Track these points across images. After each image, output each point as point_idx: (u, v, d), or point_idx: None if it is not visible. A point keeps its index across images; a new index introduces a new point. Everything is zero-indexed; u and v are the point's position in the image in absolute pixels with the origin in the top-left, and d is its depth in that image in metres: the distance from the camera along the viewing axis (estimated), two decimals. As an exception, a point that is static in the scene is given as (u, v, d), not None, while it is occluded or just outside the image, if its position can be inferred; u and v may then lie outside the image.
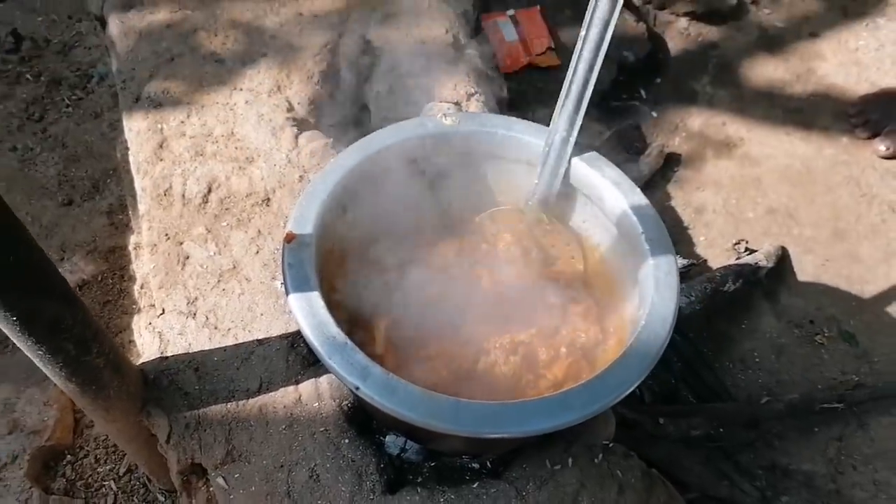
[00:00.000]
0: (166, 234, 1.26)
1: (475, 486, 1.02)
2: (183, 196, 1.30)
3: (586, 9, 0.96)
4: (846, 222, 1.84)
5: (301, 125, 1.41)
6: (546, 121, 1.11)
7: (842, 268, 1.77)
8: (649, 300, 0.95)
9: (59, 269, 0.87)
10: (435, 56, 1.53)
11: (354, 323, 1.04)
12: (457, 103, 1.45)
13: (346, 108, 1.46)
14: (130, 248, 1.43)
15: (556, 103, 1.06)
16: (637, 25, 2.12)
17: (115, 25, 1.58)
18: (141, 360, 1.15)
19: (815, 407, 1.53)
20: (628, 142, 1.99)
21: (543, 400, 0.88)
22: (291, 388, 1.10)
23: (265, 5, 1.61)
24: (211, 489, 1.08)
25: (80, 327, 0.90)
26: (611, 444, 1.10)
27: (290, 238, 0.97)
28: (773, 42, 2.22)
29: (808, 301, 1.73)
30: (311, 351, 1.11)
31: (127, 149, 1.41)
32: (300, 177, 1.32)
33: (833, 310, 1.71)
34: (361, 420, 1.10)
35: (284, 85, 1.47)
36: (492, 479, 1.04)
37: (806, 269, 1.78)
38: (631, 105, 2.12)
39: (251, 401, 1.09)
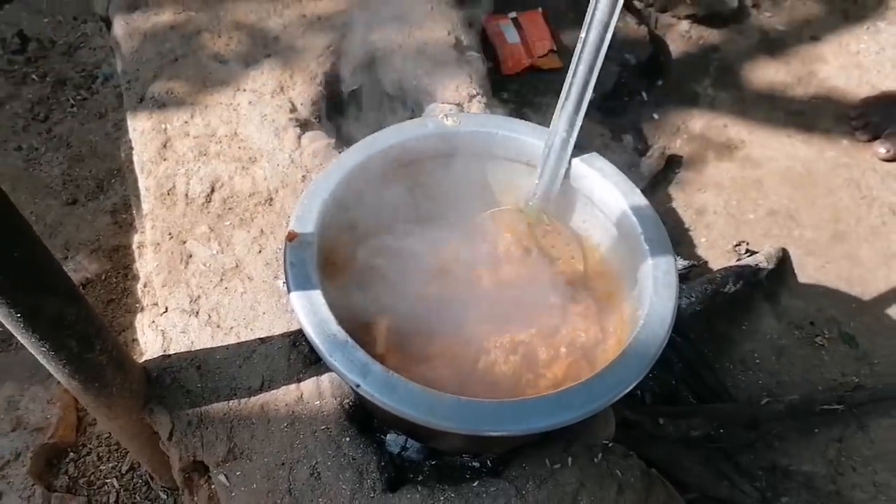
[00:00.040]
0: (169, 233, 1.27)
1: (475, 484, 1.03)
2: (186, 195, 1.31)
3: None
4: (847, 224, 1.85)
5: (304, 126, 1.42)
6: (547, 122, 1.12)
7: (842, 270, 1.78)
8: (648, 300, 0.96)
9: (64, 268, 0.88)
10: (437, 58, 1.54)
11: (355, 322, 1.05)
12: (458, 105, 1.46)
13: (348, 108, 1.47)
14: (134, 247, 1.44)
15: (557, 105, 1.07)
16: (638, 28, 2.13)
17: (119, 26, 1.59)
18: (144, 358, 1.16)
19: (816, 408, 1.53)
20: (630, 143, 2.00)
21: (543, 398, 0.88)
22: (293, 386, 1.10)
23: (269, 7, 1.62)
24: (213, 487, 1.09)
25: (84, 324, 0.91)
26: (610, 444, 1.10)
27: (291, 237, 0.98)
28: (775, 45, 2.22)
29: (809, 303, 1.74)
30: (312, 349, 1.12)
31: (131, 149, 1.42)
32: (303, 177, 1.33)
33: (833, 311, 1.72)
34: (362, 418, 1.10)
35: (287, 86, 1.48)
36: (492, 478, 1.04)
37: (806, 271, 1.79)
38: (632, 107, 2.12)
39: (253, 399, 1.09)
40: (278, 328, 1.16)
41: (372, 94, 1.50)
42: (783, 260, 1.77)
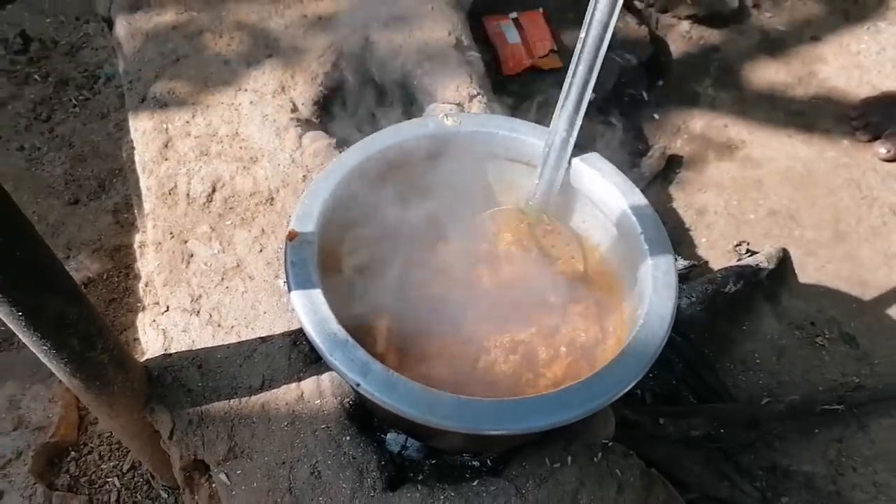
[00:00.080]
0: (171, 233, 1.27)
1: (475, 483, 1.03)
2: (188, 195, 1.32)
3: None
4: (847, 224, 1.85)
5: (305, 125, 1.42)
6: (547, 122, 1.12)
7: (843, 270, 1.78)
8: (648, 299, 0.96)
9: (66, 268, 0.88)
10: (437, 58, 1.54)
11: (356, 321, 1.05)
12: (459, 104, 1.46)
13: (349, 108, 1.47)
14: (135, 246, 1.44)
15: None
16: (639, 28, 2.13)
17: (122, 27, 1.60)
18: (145, 357, 1.16)
19: (816, 408, 1.53)
20: (630, 143, 2.00)
21: (542, 397, 0.89)
22: (293, 385, 1.11)
23: (270, 7, 1.63)
24: (213, 485, 1.09)
25: (85, 323, 0.91)
26: (610, 444, 1.11)
27: (292, 236, 0.98)
28: (775, 45, 2.22)
29: (809, 303, 1.74)
30: (313, 349, 1.12)
31: (133, 148, 1.42)
32: (304, 176, 1.33)
33: (834, 312, 1.72)
34: (363, 417, 1.11)
35: (289, 86, 1.48)
36: (492, 477, 1.05)
37: (807, 271, 1.79)
38: (633, 107, 2.12)
39: (254, 398, 1.10)
40: (279, 327, 1.16)
41: (372, 93, 1.50)
42: (784, 260, 1.77)
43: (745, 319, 1.71)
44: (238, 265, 1.23)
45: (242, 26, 1.59)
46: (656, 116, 2.11)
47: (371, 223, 1.12)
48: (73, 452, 1.47)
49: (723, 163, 2.00)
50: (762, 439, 1.53)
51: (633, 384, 0.89)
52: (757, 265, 1.71)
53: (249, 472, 1.04)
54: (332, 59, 1.53)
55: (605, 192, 1.10)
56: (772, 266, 1.72)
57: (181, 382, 1.12)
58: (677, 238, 1.87)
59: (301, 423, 1.07)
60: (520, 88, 1.97)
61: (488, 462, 1.11)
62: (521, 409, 0.87)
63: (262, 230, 1.27)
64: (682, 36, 2.24)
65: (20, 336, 0.87)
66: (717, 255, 1.84)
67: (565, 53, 2.01)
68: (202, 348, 1.15)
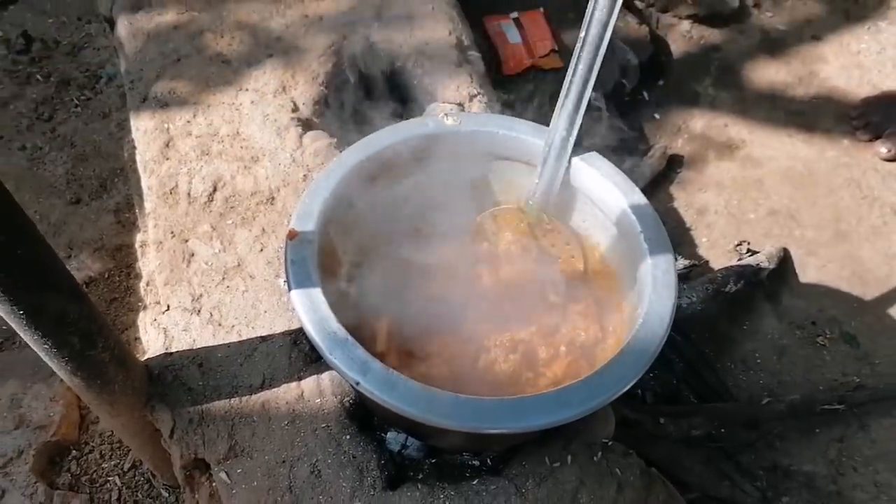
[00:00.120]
0: (172, 232, 1.28)
1: (475, 482, 1.03)
2: (189, 194, 1.32)
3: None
4: (848, 224, 1.85)
5: (306, 125, 1.42)
6: (547, 122, 1.12)
7: (843, 269, 1.78)
8: (647, 299, 0.96)
9: (67, 267, 0.88)
10: (438, 57, 1.54)
11: (356, 320, 1.05)
12: (459, 104, 1.46)
13: (350, 108, 1.47)
14: (137, 245, 1.44)
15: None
16: (640, 28, 2.13)
17: (123, 27, 1.60)
18: (146, 356, 1.17)
19: (817, 408, 1.53)
20: (631, 143, 2.00)
21: (542, 396, 0.89)
22: (294, 384, 1.11)
23: (271, 7, 1.63)
24: (214, 484, 1.09)
25: (86, 322, 0.92)
26: (610, 443, 1.11)
27: (292, 235, 0.99)
28: (775, 45, 2.22)
29: (810, 302, 1.74)
30: (313, 348, 1.12)
31: (134, 148, 1.43)
32: (304, 176, 1.34)
33: (834, 311, 1.72)
34: (363, 416, 1.11)
35: (290, 85, 1.49)
36: (492, 476, 1.05)
37: (807, 271, 1.79)
38: (634, 107, 2.12)
39: (254, 397, 1.10)
40: (279, 326, 1.17)
41: (373, 93, 1.51)
42: (784, 260, 1.77)
43: (745, 319, 1.71)
44: (239, 264, 1.24)
45: (243, 26, 1.59)
46: (657, 116, 2.11)
47: (371, 222, 1.12)
48: (74, 451, 1.47)
49: (723, 162, 2.00)
50: (763, 439, 1.53)
51: (632, 383, 0.89)
52: (757, 265, 1.71)
53: (250, 470, 1.04)
54: (333, 59, 1.54)
55: (604, 192, 1.10)
56: (772, 266, 1.72)
57: (182, 381, 1.12)
58: (678, 238, 1.87)
59: (301, 422, 1.07)
60: (520, 88, 1.97)
61: (488, 461, 1.11)
62: (521, 407, 0.87)
63: (263, 229, 1.28)
64: (682, 35, 2.24)
65: (21, 334, 0.87)
66: (718, 254, 1.84)
67: (566, 53, 2.01)
68: (203, 347, 1.15)
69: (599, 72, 1.02)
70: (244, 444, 1.06)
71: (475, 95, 1.49)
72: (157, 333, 1.18)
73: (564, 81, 1.04)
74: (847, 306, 1.73)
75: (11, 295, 0.79)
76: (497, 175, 1.22)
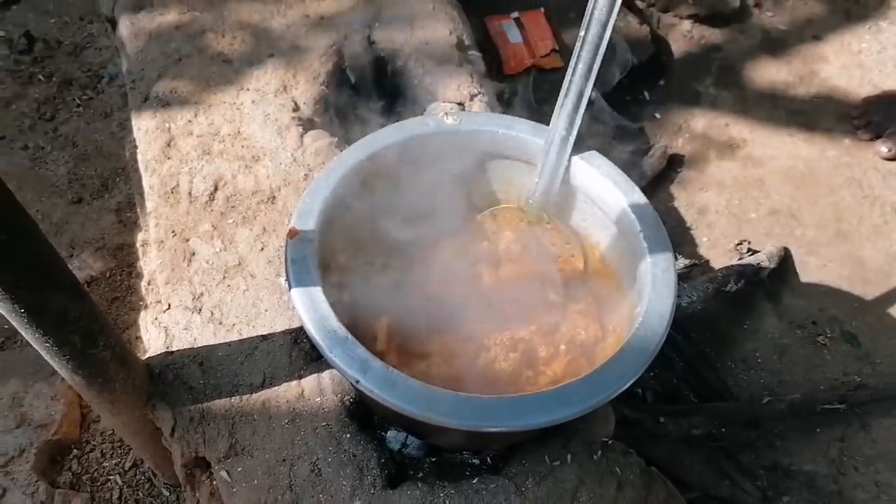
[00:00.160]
0: (173, 231, 1.28)
1: (475, 481, 1.03)
2: (190, 194, 1.32)
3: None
4: (848, 223, 1.85)
5: (306, 125, 1.43)
6: (547, 121, 1.12)
7: (844, 269, 1.78)
8: (647, 297, 0.97)
9: (69, 266, 0.89)
10: (438, 57, 1.54)
11: (356, 319, 1.06)
12: (460, 103, 1.47)
13: (351, 107, 1.48)
14: (138, 245, 1.44)
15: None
16: (641, 28, 2.13)
17: (125, 27, 1.61)
18: (147, 355, 1.17)
19: (817, 407, 1.53)
20: (631, 143, 2.00)
21: (541, 395, 0.89)
22: (294, 383, 1.11)
23: (272, 7, 1.63)
24: (214, 483, 1.09)
25: (87, 320, 0.92)
26: (610, 442, 1.11)
27: (292, 234, 0.99)
28: (776, 44, 2.22)
29: (811, 302, 1.74)
30: (313, 347, 1.13)
31: (135, 147, 1.43)
32: (305, 175, 1.34)
33: (835, 311, 1.72)
34: (363, 415, 1.11)
35: (290, 85, 1.49)
36: (491, 475, 1.05)
37: (808, 270, 1.79)
38: (634, 106, 2.13)
39: (254, 395, 1.10)
40: (280, 325, 1.17)
41: (373, 92, 1.51)
42: (785, 259, 1.77)
43: (746, 318, 1.71)
44: (239, 263, 1.24)
45: (244, 26, 1.59)
46: (657, 116, 2.11)
47: (372, 220, 1.13)
48: (75, 450, 1.47)
49: (724, 162, 2.00)
50: (763, 438, 1.53)
51: (631, 381, 0.89)
52: (758, 264, 1.71)
53: (250, 469, 1.04)
54: (334, 59, 1.54)
55: (604, 191, 1.10)
56: (773, 265, 1.72)
57: (183, 380, 1.12)
58: (678, 237, 1.87)
59: (302, 421, 1.07)
60: (521, 88, 1.97)
61: (488, 460, 1.11)
62: (520, 406, 0.87)
63: (264, 229, 1.28)
64: (683, 35, 2.24)
65: (22, 333, 0.88)
66: (719, 254, 1.84)
67: (567, 53, 2.02)
68: (204, 346, 1.15)
69: (599, 71, 1.02)
70: (245, 442, 1.07)
71: (476, 95, 1.49)
72: (157, 332, 1.18)
73: (564, 80, 1.04)
74: (848, 306, 1.73)
75: (13, 293, 0.80)
76: (497, 174, 1.22)
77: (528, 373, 1.05)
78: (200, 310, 1.19)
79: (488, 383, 1.03)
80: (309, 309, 0.92)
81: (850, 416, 1.55)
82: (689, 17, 2.23)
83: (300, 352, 1.14)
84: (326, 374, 1.11)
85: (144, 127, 1.43)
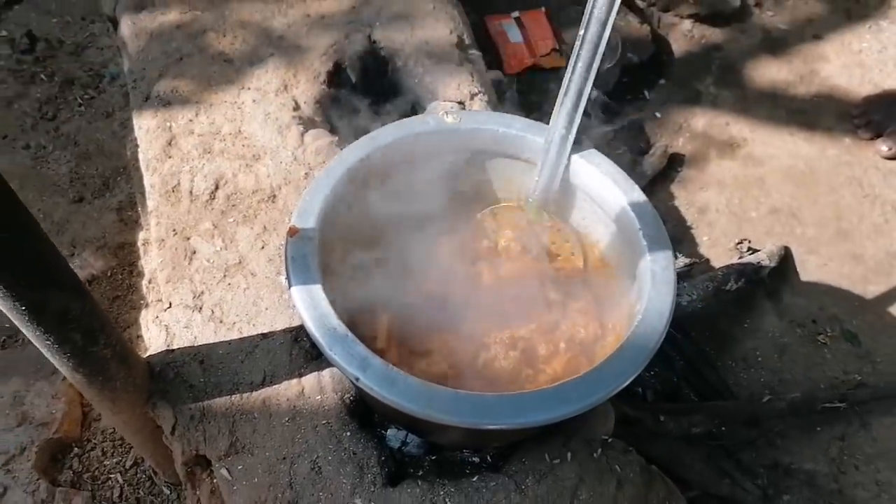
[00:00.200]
0: (174, 230, 1.28)
1: (475, 479, 1.03)
2: (191, 192, 1.33)
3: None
4: (849, 222, 1.85)
5: (307, 124, 1.43)
6: (547, 119, 1.12)
7: (844, 268, 1.78)
8: (647, 295, 0.97)
9: (70, 265, 0.89)
10: (439, 56, 1.55)
11: (356, 317, 1.06)
12: (460, 103, 1.47)
13: (351, 106, 1.48)
14: (139, 243, 1.45)
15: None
16: (641, 27, 2.13)
17: (126, 26, 1.61)
18: (148, 353, 1.17)
19: (817, 406, 1.53)
20: (632, 142, 2.01)
21: (540, 392, 0.89)
22: (294, 381, 1.11)
23: (273, 7, 1.64)
24: (215, 481, 1.10)
25: (88, 318, 0.92)
26: (610, 440, 1.11)
27: (292, 232, 0.99)
28: (777, 44, 2.23)
29: (811, 300, 1.74)
30: (314, 345, 1.13)
31: (137, 146, 1.43)
32: (306, 174, 1.34)
33: (835, 309, 1.72)
34: (363, 413, 1.11)
35: (291, 84, 1.49)
36: (491, 473, 1.05)
37: (808, 269, 1.79)
38: (635, 106, 2.13)
39: (255, 393, 1.10)
40: (280, 324, 1.17)
41: (374, 91, 1.51)
42: (785, 258, 1.77)
43: (746, 317, 1.71)
44: (240, 262, 1.24)
45: (245, 25, 1.60)
46: (658, 115, 2.11)
47: (372, 219, 1.13)
48: (76, 448, 1.48)
49: (724, 161, 2.01)
50: (763, 437, 1.53)
51: (631, 379, 0.89)
52: (758, 263, 1.71)
53: (250, 467, 1.05)
54: (335, 58, 1.54)
55: (604, 189, 1.10)
56: (773, 264, 1.72)
57: (183, 378, 1.12)
58: (679, 236, 1.87)
59: (302, 419, 1.07)
60: (522, 87, 1.98)
61: (488, 458, 1.12)
62: (520, 403, 0.87)
63: (264, 227, 1.28)
64: (683, 35, 2.25)
65: (24, 331, 0.88)
66: (719, 253, 1.84)
67: (567, 52, 2.02)
68: (204, 344, 1.16)
69: (598, 70, 1.02)
70: (245, 440, 1.07)
71: (476, 94, 1.49)
72: (158, 330, 1.19)
73: (564, 79, 1.05)
74: (848, 304, 1.73)
75: (14, 291, 0.80)
76: (497, 173, 1.22)
77: (527, 371, 1.05)
78: (201, 308, 1.19)
79: (488, 381, 1.03)
80: (309, 307, 0.93)
81: (850, 415, 1.55)
82: (690, 16, 2.23)
83: (300, 350, 1.15)
84: (327, 373, 1.12)
85: (146, 126, 1.43)
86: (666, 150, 1.97)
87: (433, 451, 1.12)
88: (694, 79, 2.18)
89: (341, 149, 1.21)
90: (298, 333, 1.16)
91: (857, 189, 1.91)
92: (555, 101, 1.08)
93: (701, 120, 2.09)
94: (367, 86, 1.54)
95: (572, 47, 1.02)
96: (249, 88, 1.48)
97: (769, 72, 2.17)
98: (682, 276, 1.69)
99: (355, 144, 1.12)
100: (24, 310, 0.83)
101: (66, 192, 1.95)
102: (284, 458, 1.04)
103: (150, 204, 1.33)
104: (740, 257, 1.77)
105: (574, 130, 1.08)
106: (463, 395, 0.87)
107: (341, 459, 1.03)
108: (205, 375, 1.12)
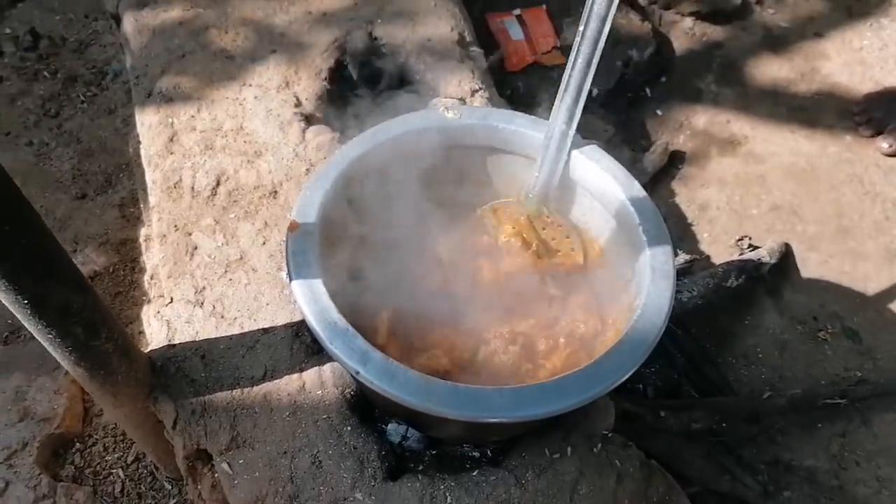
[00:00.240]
0: (175, 226, 1.29)
1: (475, 473, 1.04)
2: (192, 188, 1.33)
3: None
4: (850, 220, 1.85)
5: (308, 120, 1.43)
6: (548, 116, 1.12)
7: (845, 265, 1.78)
8: (646, 289, 0.97)
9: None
10: (440, 53, 1.55)
11: (356, 312, 1.06)
12: (461, 99, 1.47)
13: (352, 102, 1.48)
14: (141, 240, 1.46)
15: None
16: (642, 25, 2.13)
17: (129, 23, 1.62)
18: (149, 348, 1.18)
19: (818, 402, 1.53)
20: (633, 139, 2.01)
21: (540, 386, 0.89)
22: (295, 375, 1.12)
23: (275, 4, 1.64)
24: (216, 475, 1.10)
25: (90, 312, 0.93)
26: (610, 434, 1.11)
27: (293, 227, 0.99)
28: (778, 41, 2.22)
29: (812, 297, 1.74)
30: (314, 340, 1.13)
31: (139, 143, 1.44)
32: (307, 170, 1.35)
33: (836, 306, 1.72)
34: (363, 408, 1.12)
35: (293, 81, 1.50)
36: (492, 467, 1.05)
37: (809, 266, 1.79)
38: (636, 103, 2.13)
39: (256, 388, 1.11)
40: (281, 319, 1.18)
41: (374, 87, 1.51)
42: (786, 255, 1.77)
43: (746, 314, 1.71)
44: (241, 257, 1.25)
45: (247, 22, 1.60)
46: (659, 112, 2.11)
47: (372, 215, 1.13)
48: (77, 444, 1.48)
49: (725, 158, 2.01)
50: (764, 433, 1.53)
51: (630, 372, 0.90)
52: (759, 259, 1.71)
53: (251, 461, 1.05)
54: (336, 55, 1.55)
55: (603, 184, 1.10)
56: (774, 260, 1.72)
57: (184, 373, 1.13)
58: (679, 233, 1.87)
59: (302, 413, 1.08)
60: (523, 84, 1.98)
61: (488, 452, 1.12)
62: (519, 397, 0.87)
63: (266, 223, 1.29)
64: (685, 32, 2.24)
65: (26, 325, 0.88)
66: (720, 250, 1.84)
67: (568, 49, 2.02)
68: (205, 339, 1.16)
69: (600, 68, 1.03)
70: (246, 435, 1.07)
71: (477, 90, 1.50)
72: (160, 325, 1.19)
73: (564, 75, 1.05)
74: (849, 301, 1.73)
75: (17, 284, 0.80)
76: (497, 168, 1.22)
77: (527, 366, 1.06)
78: (202, 303, 1.20)
79: (488, 376, 1.04)
80: (309, 301, 0.93)
81: (851, 412, 1.55)
82: (691, 14, 2.23)
83: (301, 345, 1.15)
84: (327, 367, 1.12)
85: (148, 122, 1.44)
86: (667, 147, 1.97)
87: (433, 446, 1.12)
88: (695, 76, 2.18)
89: (342, 145, 1.21)
90: (299, 329, 1.16)
91: (857, 186, 1.90)
92: (553, 99, 1.08)
93: (702, 117, 2.09)
94: (367, 82, 1.55)
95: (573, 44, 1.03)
96: (251, 85, 1.49)
97: (770, 69, 2.17)
98: (683, 272, 1.69)
99: (356, 140, 1.12)
100: (27, 303, 0.83)
101: (68, 188, 1.96)
102: (285, 453, 1.05)
103: (152, 200, 1.34)
104: (741, 254, 1.77)
105: (574, 126, 1.08)
106: (462, 389, 0.87)
107: (342, 454, 1.04)
108: (206, 370, 1.13)
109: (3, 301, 0.83)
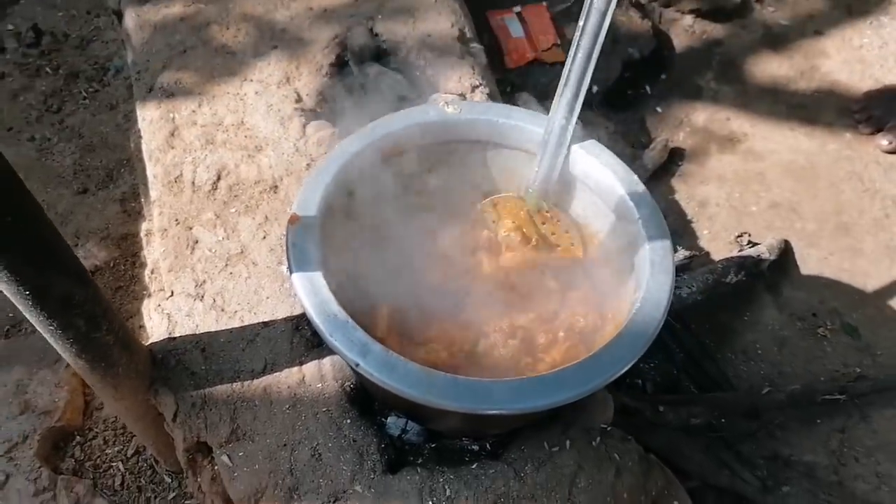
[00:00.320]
0: (176, 220, 1.29)
1: (474, 466, 1.04)
2: (193, 183, 1.33)
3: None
4: (849, 217, 1.85)
5: (309, 115, 1.44)
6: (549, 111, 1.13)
7: (844, 261, 1.78)
8: (645, 283, 0.97)
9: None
10: (440, 49, 1.55)
11: (356, 306, 1.06)
12: (461, 95, 1.47)
13: (353, 98, 1.49)
14: (142, 234, 1.46)
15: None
16: (642, 22, 2.13)
17: (131, 19, 1.62)
18: (150, 341, 1.18)
19: (817, 398, 1.53)
20: (633, 136, 2.01)
21: (539, 378, 0.90)
22: (295, 369, 1.12)
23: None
24: (216, 467, 1.10)
25: (91, 304, 0.93)
26: (609, 428, 1.12)
27: (294, 220, 1.00)
28: (778, 39, 2.22)
29: (811, 294, 1.74)
30: (314, 333, 1.14)
31: (140, 137, 1.44)
32: (307, 165, 1.35)
33: (835, 303, 1.72)
34: (363, 401, 1.12)
35: (293, 76, 1.50)
36: (491, 461, 1.06)
37: (809, 263, 1.79)
38: (636, 100, 2.13)
39: (256, 381, 1.11)
40: (281, 312, 1.18)
41: (375, 83, 1.52)
42: (785, 251, 1.77)
43: (746, 310, 1.71)
44: (242, 251, 1.25)
45: (248, 18, 1.61)
46: (659, 109, 2.12)
47: (372, 208, 1.13)
48: (78, 437, 1.49)
49: (725, 155, 2.01)
50: (763, 428, 1.53)
51: (629, 365, 0.90)
52: (758, 256, 1.71)
53: (251, 454, 1.05)
54: (337, 50, 1.55)
55: (603, 179, 1.11)
56: (773, 257, 1.73)
57: (185, 365, 1.13)
58: (679, 229, 1.87)
59: (302, 406, 1.08)
60: (523, 81, 1.98)
61: (487, 446, 1.12)
62: (518, 389, 0.88)
63: (266, 217, 1.29)
64: (685, 30, 2.25)
65: (27, 316, 0.89)
66: (719, 246, 1.84)
67: (568, 46, 2.02)
68: (206, 332, 1.16)
69: (600, 65, 1.03)
70: (246, 427, 1.08)
71: (477, 86, 1.50)
72: (160, 319, 1.20)
73: (563, 70, 1.05)
74: (848, 298, 1.73)
75: (18, 275, 0.81)
76: (497, 163, 1.23)
77: (526, 359, 1.06)
78: (203, 297, 1.20)
79: (488, 370, 1.04)
80: (309, 293, 0.93)
81: (850, 407, 1.55)
82: (691, 11, 2.23)
83: (301, 338, 1.15)
84: (327, 361, 1.12)
85: (149, 117, 1.44)
86: (666, 144, 1.98)
87: (433, 439, 1.13)
88: (695, 74, 2.18)
89: (342, 139, 1.21)
90: (299, 322, 1.17)
91: (857, 184, 1.91)
92: (553, 95, 1.08)
93: (702, 115, 2.09)
94: (367, 78, 1.55)
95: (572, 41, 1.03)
96: (252, 80, 1.49)
97: (770, 67, 2.17)
98: (682, 268, 1.69)
99: (356, 134, 1.13)
100: (29, 294, 0.84)
101: (70, 183, 1.96)
102: (285, 445, 1.05)
103: (153, 194, 1.34)
104: (740, 250, 1.77)
105: (574, 121, 1.08)
106: (462, 381, 0.87)
107: (341, 446, 1.04)
108: (206, 363, 1.13)
109: (6, 292, 0.83)
